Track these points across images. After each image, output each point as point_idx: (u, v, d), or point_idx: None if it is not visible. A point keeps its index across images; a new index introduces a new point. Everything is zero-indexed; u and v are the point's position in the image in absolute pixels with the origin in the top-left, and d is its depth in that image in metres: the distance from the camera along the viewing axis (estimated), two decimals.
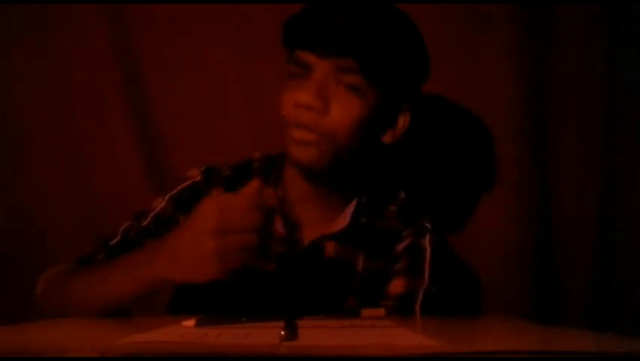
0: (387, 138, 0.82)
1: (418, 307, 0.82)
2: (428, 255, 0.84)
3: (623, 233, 1.09)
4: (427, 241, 0.85)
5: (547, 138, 1.11)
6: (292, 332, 0.51)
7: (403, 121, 0.82)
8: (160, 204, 0.86)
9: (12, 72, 1.14)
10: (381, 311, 0.75)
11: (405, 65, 0.80)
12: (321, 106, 0.75)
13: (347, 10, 0.76)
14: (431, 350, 0.46)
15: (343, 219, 0.84)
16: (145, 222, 0.85)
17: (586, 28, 1.10)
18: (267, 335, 0.53)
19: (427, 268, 0.83)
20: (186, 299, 0.89)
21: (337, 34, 0.75)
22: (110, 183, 1.14)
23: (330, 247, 0.84)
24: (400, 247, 0.85)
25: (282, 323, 0.54)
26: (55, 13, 1.14)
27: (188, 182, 0.88)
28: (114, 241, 0.84)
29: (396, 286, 0.83)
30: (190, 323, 0.59)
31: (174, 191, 0.87)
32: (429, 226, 0.86)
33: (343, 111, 0.75)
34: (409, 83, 0.82)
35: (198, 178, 0.88)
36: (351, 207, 0.85)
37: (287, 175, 0.86)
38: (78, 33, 1.14)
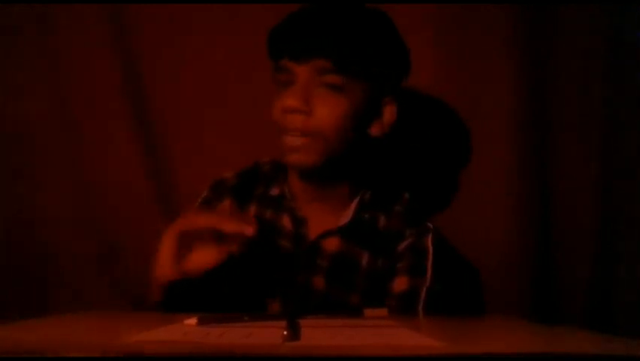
0: (375, 131, 0.84)
1: (420, 307, 0.82)
2: (430, 254, 0.85)
3: (623, 233, 1.09)
4: (429, 240, 0.86)
5: (547, 138, 1.11)
6: (295, 332, 0.51)
7: (389, 113, 0.84)
8: None
9: (12, 72, 1.14)
10: (384, 311, 0.75)
11: (382, 59, 0.82)
12: (304, 108, 0.78)
13: (319, 14, 0.80)
14: (433, 351, 0.46)
15: (346, 215, 0.86)
16: None
17: (586, 28, 1.10)
18: (269, 334, 0.53)
19: (429, 268, 0.84)
20: (184, 296, 0.90)
21: (310, 38, 0.78)
22: (109, 183, 1.14)
23: (335, 243, 0.85)
24: (402, 246, 0.86)
25: (284, 322, 0.54)
26: (55, 13, 1.14)
27: (199, 200, 0.93)
28: None
29: (399, 284, 0.84)
30: (192, 321, 0.58)
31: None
32: (431, 226, 0.87)
33: (326, 110, 0.78)
34: (389, 75, 0.84)
35: (205, 193, 0.92)
36: (354, 204, 0.86)
37: (291, 174, 0.88)
38: (78, 33, 1.14)
